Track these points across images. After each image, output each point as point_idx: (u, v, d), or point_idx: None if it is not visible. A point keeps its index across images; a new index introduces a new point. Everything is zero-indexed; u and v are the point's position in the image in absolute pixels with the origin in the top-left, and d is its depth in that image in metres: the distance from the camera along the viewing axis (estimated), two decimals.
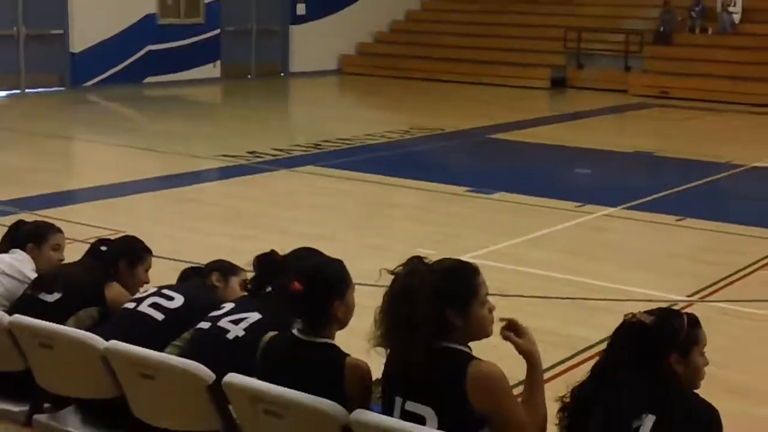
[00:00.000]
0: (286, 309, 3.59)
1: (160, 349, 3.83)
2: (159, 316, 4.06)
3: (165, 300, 4.12)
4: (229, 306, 3.94)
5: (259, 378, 3.49)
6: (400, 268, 3.31)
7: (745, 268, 8.69)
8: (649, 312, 3.29)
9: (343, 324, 3.55)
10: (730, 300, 7.86)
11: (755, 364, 6.49)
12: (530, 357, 3.33)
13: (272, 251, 4.00)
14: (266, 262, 3.98)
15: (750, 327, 7.32)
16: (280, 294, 3.72)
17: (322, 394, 3.33)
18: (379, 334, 3.28)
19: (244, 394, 3.46)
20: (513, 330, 3.33)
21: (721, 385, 5.96)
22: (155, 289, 4.24)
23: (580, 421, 3.19)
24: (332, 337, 3.53)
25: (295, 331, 3.51)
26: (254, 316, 3.82)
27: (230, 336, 3.77)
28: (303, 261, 3.85)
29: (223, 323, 3.83)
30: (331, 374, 3.39)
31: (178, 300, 4.12)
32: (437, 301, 3.19)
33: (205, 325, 3.89)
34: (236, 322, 3.81)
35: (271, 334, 3.62)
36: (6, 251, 4.88)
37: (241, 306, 3.92)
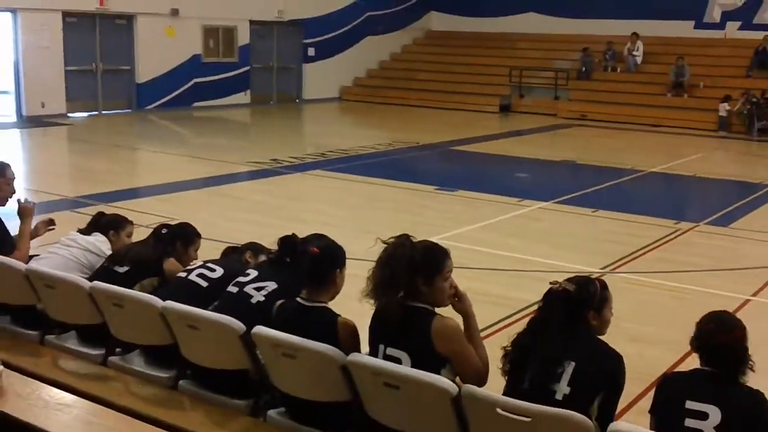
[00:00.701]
0: (299, 277, 3.60)
1: (205, 308, 3.82)
2: (204, 283, 4.06)
3: (208, 271, 4.12)
4: (253, 274, 3.90)
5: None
6: (392, 239, 3.34)
7: (644, 247, 8.72)
8: (569, 280, 3.30)
9: (335, 292, 3.57)
10: (632, 272, 7.88)
11: (650, 319, 6.52)
12: (464, 315, 3.43)
13: (293, 234, 3.99)
14: (287, 241, 3.97)
15: (647, 292, 7.35)
16: (295, 267, 3.69)
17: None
18: (369, 289, 3.31)
19: (267, 342, 3.46)
20: (455, 296, 3.40)
21: (625, 335, 5.98)
22: (201, 263, 4.23)
23: (519, 365, 3.19)
24: (327, 302, 3.54)
25: (298, 299, 3.52)
26: (272, 285, 3.80)
27: (253, 300, 3.76)
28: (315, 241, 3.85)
29: (248, 289, 3.81)
30: (328, 330, 3.40)
31: (219, 271, 4.12)
32: (410, 271, 3.22)
33: (233, 289, 3.86)
34: (258, 289, 3.80)
35: (280, 301, 3.63)
36: (89, 234, 4.87)
37: (262, 275, 3.89)
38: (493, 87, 23.11)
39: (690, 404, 2.89)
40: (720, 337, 3.04)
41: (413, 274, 3.25)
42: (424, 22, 27.78)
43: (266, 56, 23.58)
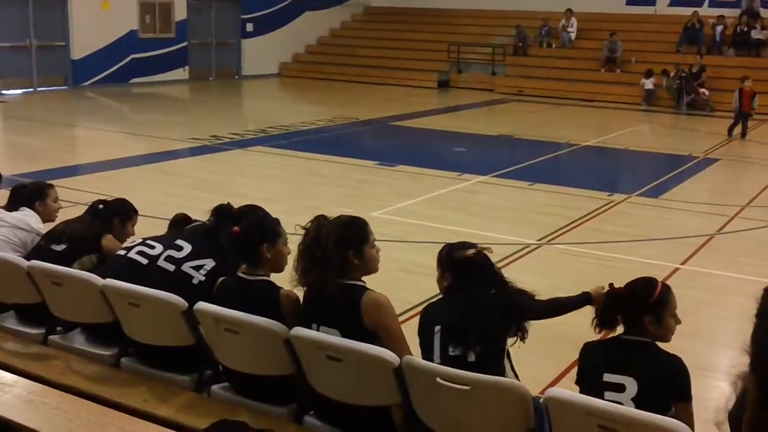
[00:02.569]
0: (232, 253, 3.58)
1: (146, 286, 3.77)
2: (144, 260, 3.98)
3: (148, 248, 4.04)
4: (186, 248, 3.81)
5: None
6: (310, 224, 3.33)
7: (579, 219, 8.88)
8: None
9: (275, 267, 3.53)
10: (568, 243, 8.03)
11: (586, 287, 6.63)
12: None
13: (228, 203, 3.95)
14: (222, 210, 3.93)
15: (582, 262, 7.50)
16: (227, 239, 3.65)
17: (264, 316, 3.33)
18: (297, 276, 3.30)
19: (210, 317, 3.44)
20: None
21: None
22: (141, 240, 4.16)
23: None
24: (268, 275, 3.52)
25: (239, 273, 3.50)
26: (209, 263, 3.75)
27: (195, 281, 3.71)
28: (248, 215, 3.81)
29: (186, 269, 3.75)
30: (270, 303, 3.39)
31: (159, 248, 4.04)
32: (341, 245, 3.22)
33: (169, 266, 3.77)
34: (197, 268, 3.74)
35: (222, 278, 3.60)
36: (14, 209, 4.74)
37: (197, 250, 3.80)
38: (432, 63, 23.14)
39: (607, 377, 2.93)
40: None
41: (344, 248, 3.25)
42: None
43: (204, 32, 23.18)
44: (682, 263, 7.43)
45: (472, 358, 3.08)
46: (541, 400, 2.91)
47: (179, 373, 3.65)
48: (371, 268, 3.36)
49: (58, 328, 4.10)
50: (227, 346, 3.45)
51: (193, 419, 3.27)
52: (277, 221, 3.60)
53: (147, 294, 3.62)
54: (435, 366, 3.05)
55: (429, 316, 3.29)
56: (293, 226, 3.43)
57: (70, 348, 3.96)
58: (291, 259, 3.42)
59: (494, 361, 3.11)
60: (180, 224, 4.36)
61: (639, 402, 2.85)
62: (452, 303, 3.24)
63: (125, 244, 4.27)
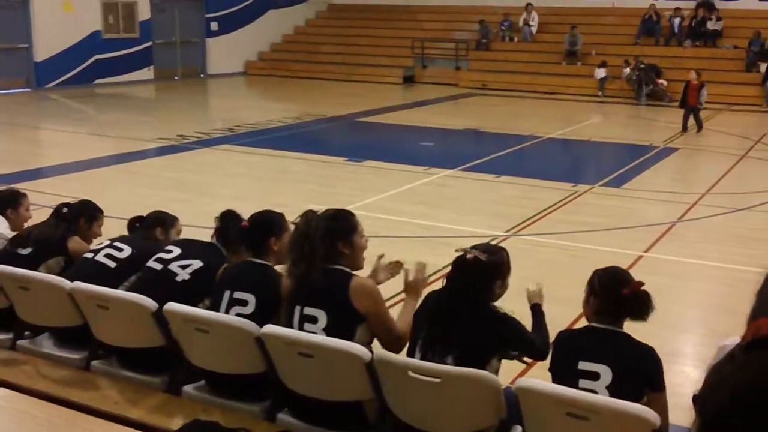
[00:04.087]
0: (225, 257, 3.72)
1: (115, 288, 3.71)
2: (111, 264, 3.92)
3: (116, 251, 3.98)
4: (176, 251, 3.78)
5: (219, 292, 3.47)
6: (299, 218, 3.36)
7: (544, 210, 8.94)
8: (476, 247, 3.27)
9: (280, 259, 3.58)
10: (534, 234, 8.07)
11: (552, 278, 6.66)
12: (409, 292, 3.55)
13: (230, 210, 3.88)
14: (227, 213, 3.88)
15: (548, 252, 7.55)
16: (236, 233, 3.70)
17: (263, 296, 3.39)
18: (287, 267, 3.33)
19: (180, 318, 3.40)
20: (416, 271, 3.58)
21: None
22: (108, 242, 4.09)
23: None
24: (272, 266, 3.58)
25: (247, 259, 3.58)
26: (197, 263, 3.71)
27: (178, 279, 3.67)
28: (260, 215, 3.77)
29: (173, 267, 3.71)
30: (270, 282, 3.44)
31: (127, 251, 3.98)
32: (330, 237, 3.25)
33: (156, 265, 3.74)
34: (183, 267, 3.70)
35: (226, 264, 3.65)
36: None
37: (187, 252, 3.77)
38: (396, 59, 23.14)
39: (582, 365, 2.91)
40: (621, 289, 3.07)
41: (333, 240, 3.30)
42: None
43: (168, 31, 22.95)
44: (646, 251, 7.51)
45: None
46: (512, 390, 2.92)
47: (150, 374, 3.60)
48: (360, 259, 3.43)
49: (26, 333, 4.03)
50: (198, 345, 3.42)
51: (166, 420, 3.23)
52: (282, 216, 3.69)
53: (116, 296, 3.56)
54: (406, 359, 3.04)
55: (425, 306, 3.26)
56: None
57: (39, 353, 3.89)
58: None
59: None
60: (136, 227, 4.30)
61: (613, 390, 2.85)
62: (445, 306, 3.16)
63: (92, 246, 4.20)
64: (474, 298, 3.14)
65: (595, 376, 2.89)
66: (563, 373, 2.98)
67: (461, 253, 3.24)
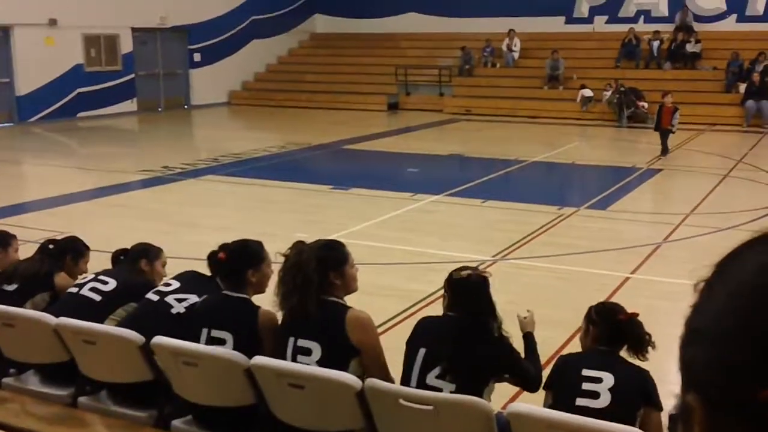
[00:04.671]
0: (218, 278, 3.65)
1: (101, 323, 3.69)
2: (97, 297, 3.90)
3: (101, 284, 3.97)
4: (174, 285, 3.80)
5: (193, 328, 3.42)
6: (289, 250, 3.35)
7: (531, 233, 8.96)
8: (463, 270, 3.35)
9: (258, 289, 3.57)
10: (521, 257, 8.09)
11: (540, 302, 6.68)
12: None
13: (213, 252, 3.83)
14: (212, 259, 3.84)
15: (535, 276, 7.56)
16: (213, 266, 3.70)
17: (241, 333, 3.31)
18: (278, 300, 3.31)
19: (168, 351, 3.37)
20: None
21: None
22: (93, 276, 4.07)
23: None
24: (250, 296, 3.53)
25: (224, 292, 3.55)
26: (193, 298, 3.72)
27: (174, 311, 3.67)
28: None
29: (169, 299, 3.72)
30: (248, 318, 3.41)
31: (112, 284, 3.97)
32: (322, 268, 3.25)
33: (154, 297, 3.76)
34: (180, 300, 3.71)
35: (204, 296, 3.62)
36: None
37: (185, 287, 3.79)
38: (380, 86, 23.27)
39: (586, 372, 3.04)
40: (620, 316, 3.27)
41: (325, 271, 3.29)
42: (309, 25, 27.71)
43: (151, 63, 22.99)
44: (633, 272, 7.53)
45: (446, 392, 3.06)
46: (504, 415, 2.92)
47: (139, 409, 3.57)
48: (352, 287, 3.43)
49: (12, 370, 3.98)
50: (187, 379, 3.39)
51: None
52: (260, 244, 3.64)
53: (102, 331, 3.54)
54: (398, 387, 3.03)
55: (419, 331, 3.28)
56: None
57: (25, 390, 3.85)
58: (272, 283, 3.42)
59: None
60: (120, 259, 4.29)
61: (615, 392, 2.96)
62: (443, 328, 3.21)
63: (77, 281, 4.18)
64: (484, 318, 3.18)
65: (598, 380, 3.00)
66: (565, 381, 3.08)
67: (461, 276, 3.26)
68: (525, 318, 3.60)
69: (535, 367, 3.38)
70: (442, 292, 3.45)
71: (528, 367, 3.31)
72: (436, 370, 3.08)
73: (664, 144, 14.44)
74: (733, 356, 0.66)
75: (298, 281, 3.24)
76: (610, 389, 2.96)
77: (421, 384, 3.09)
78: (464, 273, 3.28)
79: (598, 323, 3.25)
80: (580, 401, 2.96)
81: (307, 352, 3.19)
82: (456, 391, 3.05)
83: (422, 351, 3.14)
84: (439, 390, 3.06)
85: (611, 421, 2.82)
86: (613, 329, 3.21)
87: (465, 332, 3.14)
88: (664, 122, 14.31)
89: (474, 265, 7.56)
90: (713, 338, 0.70)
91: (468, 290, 3.24)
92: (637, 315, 3.28)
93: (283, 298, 3.29)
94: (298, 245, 3.35)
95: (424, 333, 3.24)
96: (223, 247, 3.81)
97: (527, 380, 3.31)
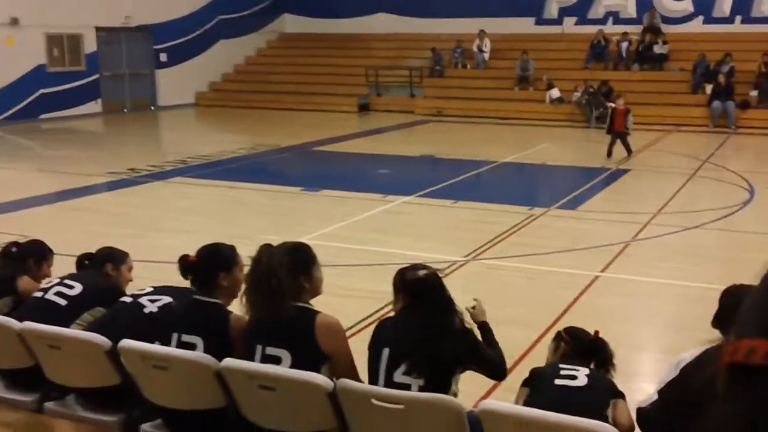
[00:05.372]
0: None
1: (66, 327, 3.66)
2: (62, 302, 3.87)
3: (67, 289, 3.93)
4: (149, 289, 3.84)
5: (164, 333, 3.41)
6: (256, 254, 3.31)
7: (501, 234, 9.03)
8: (414, 268, 3.39)
9: (231, 294, 3.50)
10: (492, 257, 8.14)
11: (511, 301, 6.76)
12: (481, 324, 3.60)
13: (186, 255, 3.80)
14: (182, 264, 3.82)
15: (506, 276, 7.62)
16: (184, 269, 3.60)
17: (212, 338, 3.30)
18: (248, 307, 3.27)
19: (136, 355, 3.35)
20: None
21: (492, 317, 6.17)
22: (58, 280, 4.04)
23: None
24: (222, 301, 3.50)
25: (195, 296, 3.50)
26: (167, 299, 3.72)
27: (146, 310, 3.67)
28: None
29: (143, 300, 3.73)
30: (219, 324, 3.37)
31: (78, 288, 3.93)
32: (293, 273, 3.23)
33: (127, 299, 3.78)
34: (153, 301, 3.71)
35: (171, 302, 3.63)
36: None
37: (159, 291, 3.82)
38: (351, 87, 23.29)
39: (563, 366, 3.22)
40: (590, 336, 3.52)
41: (296, 275, 3.27)
42: (278, 25, 27.64)
43: (116, 63, 22.76)
44: (602, 271, 7.63)
45: (415, 388, 3.09)
46: (475, 413, 2.95)
47: (107, 413, 3.54)
48: (319, 290, 3.42)
49: None
50: (156, 383, 3.37)
51: None
52: (233, 249, 3.58)
53: (68, 335, 3.51)
54: (369, 387, 3.05)
55: (380, 333, 3.30)
56: None
57: None
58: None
59: (439, 392, 3.09)
60: (85, 264, 4.26)
61: (591, 379, 3.13)
62: (404, 327, 3.23)
63: (42, 285, 4.14)
64: (445, 313, 3.21)
65: (575, 371, 3.16)
66: (543, 373, 3.23)
67: (418, 276, 3.29)
68: (474, 309, 3.63)
69: (498, 354, 3.45)
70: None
71: (492, 356, 3.38)
72: (403, 367, 3.11)
73: (612, 147, 14.31)
74: None
75: (274, 286, 3.17)
76: (586, 375, 3.14)
77: (389, 382, 3.11)
78: (421, 273, 3.31)
79: (570, 342, 3.47)
80: (559, 381, 3.09)
81: (277, 360, 3.17)
82: (424, 386, 3.08)
83: (386, 351, 3.16)
84: (408, 386, 3.08)
85: (589, 401, 2.99)
86: (585, 346, 3.44)
87: (428, 329, 3.17)
88: (618, 125, 14.28)
89: (446, 266, 7.64)
90: None
91: (426, 289, 3.27)
92: (598, 334, 3.51)
93: (254, 304, 3.25)
94: (267, 248, 3.32)
95: (386, 334, 3.25)
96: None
97: (494, 368, 3.39)
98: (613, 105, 19.33)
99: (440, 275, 3.38)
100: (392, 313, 3.55)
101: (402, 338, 3.17)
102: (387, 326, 3.33)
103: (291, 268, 3.24)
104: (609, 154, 14.36)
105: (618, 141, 14.33)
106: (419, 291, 3.28)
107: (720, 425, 0.78)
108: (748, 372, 0.74)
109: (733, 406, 0.77)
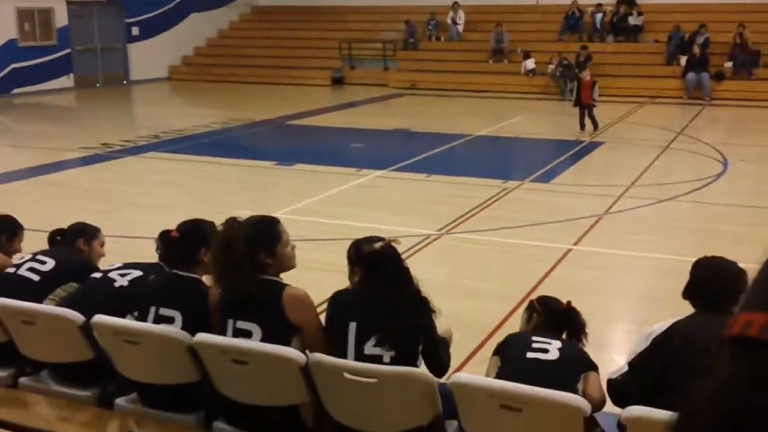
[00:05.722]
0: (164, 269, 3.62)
1: (40, 303, 3.65)
2: (35, 277, 3.86)
3: (39, 264, 3.92)
4: (119, 264, 3.85)
5: (141, 306, 3.42)
6: (220, 226, 3.33)
7: (475, 207, 9.07)
8: (368, 240, 3.43)
9: (210, 270, 3.49)
10: (466, 231, 8.19)
11: (485, 275, 6.82)
12: None
13: (167, 231, 3.80)
14: (164, 238, 3.82)
15: (480, 249, 7.67)
16: (165, 244, 3.67)
17: (190, 312, 3.31)
18: (213, 279, 3.30)
19: (109, 330, 3.36)
20: None
21: (464, 291, 6.24)
22: (30, 256, 4.02)
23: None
24: (201, 277, 3.52)
25: (174, 271, 3.51)
26: (137, 273, 3.73)
27: (117, 285, 3.68)
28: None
29: (113, 274, 3.73)
30: (198, 297, 3.38)
31: (50, 264, 3.93)
32: (251, 247, 3.21)
33: (98, 275, 3.78)
34: (123, 275, 3.72)
35: (151, 276, 3.62)
36: None
37: (129, 265, 3.83)
38: (324, 60, 23.14)
39: (535, 339, 3.21)
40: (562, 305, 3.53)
41: (255, 250, 3.23)
42: None
43: (88, 38, 22.44)
44: (575, 244, 7.70)
45: (387, 359, 3.11)
46: (447, 386, 2.99)
47: (81, 388, 3.55)
48: (286, 265, 3.35)
49: None
50: (129, 357, 3.39)
51: None
52: (213, 225, 3.58)
53: (41, 311, 3.51)
54: (342, 361, 3.07)
55: (340, 308, 3.29)
56: None
57: None
58: None
59: (409, 363, 3.12)
60: (57, 239, 4.25)
61: (563, 352, 3.13)
62: (369, 300, 3.23)
63: (15, 261, 4.12)
64: (403, 285, 3.24)
65: (547, 344, 3.15)
66: (515, 344, 3.22)
67: (374, 249, 3.31)
68: None
69: (446, 352, 3.44)
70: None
71: (441, 344, 3.36)
72: (373, 340, 3.13)
73: (583, 119, 14.33)
74: None
75: (232, 261, 3.18)
76: (558, 349, 3.14)
77: (360, 355, 3.13)
78: (377, 245, 3.32)
79: (543, 312, 3.46)
80: (531, 354, 3.10)
81: (247, 334, 3.18)
82: (396, 357, 3.11)
83: (353, 325, 3.17)
84: (380, 357, 3.11)
85: (560, 376, 3.00)
86: (557, 316, 3.44)
87: (392, 300, 3.19)
88: (584, 97, 14.26)
89: (419, 239, 7.68)
90: None
91: (383, 261, 3.28)
92: (570, 303, 3.52)
93: (218, 278, 3.27)
94: (230, 222, 3.32)
95: (348, 307, 3.26)
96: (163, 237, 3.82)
97: (437, 354, 3.29)
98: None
99: (395, 245, 3.37)
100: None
101: (368, 311, 3.19)
102: (346, 300, 3.31)
103: (249, 243, 3.20)
104: (582, 126, 14.42)
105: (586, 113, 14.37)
106: (376, 263, 3.28)
107: (709, 399, 0.77)
108: (744, 345, 0.75)
109: (727, 380, 0.77)
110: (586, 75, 14.53)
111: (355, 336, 3.16)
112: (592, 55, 19.86)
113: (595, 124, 14.46)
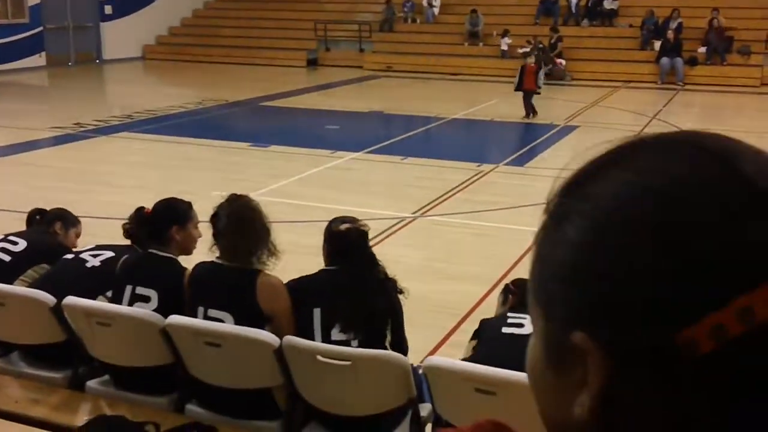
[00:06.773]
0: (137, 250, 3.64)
1: (10, 283, 3.60)
2: (6, 257, 3.81)
3: (11, 245, 3.87)
4: (91, 246, 3.81)
5: (119, 287, 3.41)
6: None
7: (450, 190, 9.08)
8: (344, 220, 3.44)
9: (185, 250, 3.55)
10: (441, 214, 8.20)
11: (459, 258, 6.84)
12: None
13: (142, 207, 3.78)
14: (139, 216, 3.79)
15: (455, 232, 7.69)
16: (138, 221, 3.68)
17: (166, 291, 3.32)
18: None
19: (80, 312, 3.32)
20: None
21: (440, 274, 6.26)
22: (2, 236, 3.96)
23: None
24: (176, 257, 3.50)
25: (150, 250, 3.51)
26: (109, 253, 3.69)
27: (88, 265, 3.63)
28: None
29: (84, 255, 3.70)
30: (174, 278, 3.38)
31: (22, 244, 3.88)
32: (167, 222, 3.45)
33: (69, 256, 3.74)
34: (95, 255, 3.67)
35: (126, 256, 3.58)
36: None
37: (102, 247, 3.79)
38: (299, 41, 22.97)
39: (510, 315, 3.18)
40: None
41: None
42: None
43: (60, 15, 22.06)
44: None
45: (355, 344, 3.10)
46: (421, 370, 2.99)
47: (53, 370, 3.51)
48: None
49: None
50: (101, 340, 3.35)
51: (69, 417, 3.17)
52: (189, 204, 3.61)
53: (12, 292, 3.46)
54: (315, 344, 3.06)
55: (304, 294, 3.27)
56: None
57: None
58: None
59: (377, 347, 3.12)
60: (36, 219, 4.20)
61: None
62: (332, 287, 3.22)
63: None
64: (367, 270, 3.22)
65: (523, 319, 3.12)
66: (492, 324, 3.19)
67: (340, 230, 3.30)
68: None
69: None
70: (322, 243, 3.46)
71: (403, 331, 3.35)
72: (338, 326, 3.12)
73: (527, 104, 14.11)
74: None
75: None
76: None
77: (327, 341, 3.12)
78: (343, 227, 3.31)
79: (517, 293, 3.41)
80: (506, 329, 3.09)
81: (218, 321, 3.17)
82: (363, 340, 3.10)
83: (317, 311, 3.16)
84: (347, 342, 3.10)
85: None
86: None
87: (356, 286, 3.18)
88: (527, 83, 13.97)
89: (394, 222, 7.68)
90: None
91: (347, 244, 3.28)
92: None
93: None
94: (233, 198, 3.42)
95: (312, 294, 3.24)
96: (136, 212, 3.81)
97: (402, 338, 3.29)
98: (562, 62, 19.57)
99: (366, 232, 3.35)
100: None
101: (332, 298, 3.17)
102: (310, 286, 3.29)
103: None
104: (532, 112, 14.15)
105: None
106: (340, 245, 3.29)
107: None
108: None
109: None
110: (531, 61, 14.35)
111: (321, 323, 3.15)
112: (562, 37, 19.91)
113: (533, 112, 14.12)
